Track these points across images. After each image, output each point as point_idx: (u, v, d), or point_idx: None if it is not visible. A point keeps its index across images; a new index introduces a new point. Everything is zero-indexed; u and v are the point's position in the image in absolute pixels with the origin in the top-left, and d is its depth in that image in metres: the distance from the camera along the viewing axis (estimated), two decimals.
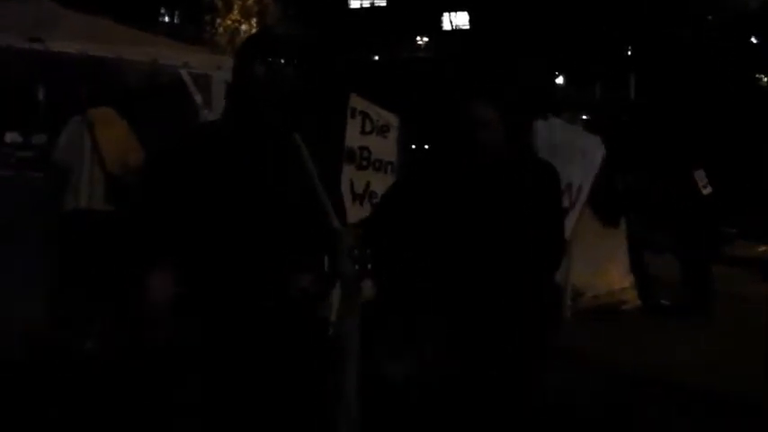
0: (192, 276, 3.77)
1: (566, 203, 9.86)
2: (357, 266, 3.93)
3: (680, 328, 10.31)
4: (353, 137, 8.57)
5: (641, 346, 9.28)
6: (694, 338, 9.73)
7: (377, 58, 47.76)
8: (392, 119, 8.86)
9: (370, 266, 4.01)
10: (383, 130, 8.76)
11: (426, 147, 18.74)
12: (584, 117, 31.43)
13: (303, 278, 3.82)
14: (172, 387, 3.94)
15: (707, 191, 11.93)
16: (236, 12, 32.41)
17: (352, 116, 8.60)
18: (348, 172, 8.39)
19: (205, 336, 3.78)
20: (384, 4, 52.43)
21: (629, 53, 39.05)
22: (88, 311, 7.97)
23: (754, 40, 33.36)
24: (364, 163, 8.58)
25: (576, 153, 10.19)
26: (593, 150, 10.45)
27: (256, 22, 32.00)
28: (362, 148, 8.59)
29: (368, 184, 8.45)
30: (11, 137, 10.75)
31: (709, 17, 34.08)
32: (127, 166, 8.53)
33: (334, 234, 3.91)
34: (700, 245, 12.02)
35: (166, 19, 41.59)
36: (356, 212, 7.90)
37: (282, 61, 3.79)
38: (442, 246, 4.21)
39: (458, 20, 50.23)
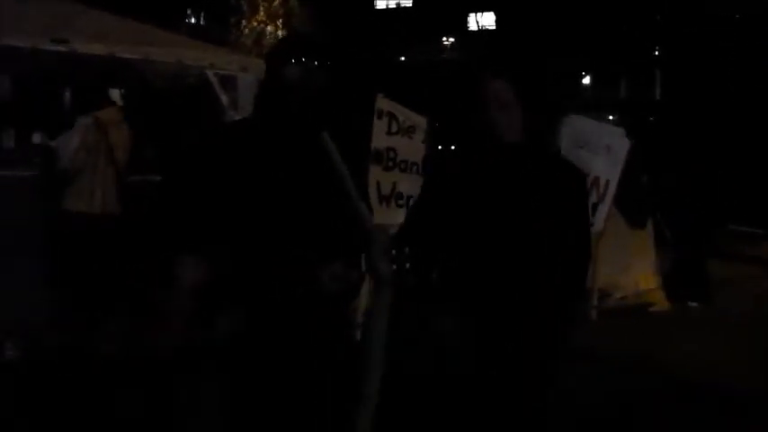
0: (218, 272, 3.78)
1: (594, 198, 9.80)
2: (394, 266, 3.91)
3: (706, 330, 10.24)
4: (380, 138, 8.54)
5: (666, 347, 9.23)
6: (721, 339, 9.66)
7: (403, 58, 47.70)
8: (419, 120, 8.83)
9: (408, 266, 3.99)
10: (409, 131, 8.73)
11: (453, 147, 18.70)
12: (611, 117, 31.35)
13: (336, 267, 3.81)
14: (194, 385, 3.95)
15: None
16: (261, 14, 32.36)
17: (379, 117, 8.58)
18: (375, 173, 8.37)
19: (231, 332, 3.79)
20: (410, 5, 52.39)
21: (656, 53, 38.87)
22: (100, 313, 8.00)
23: None
24: (391, 164, 8.56)
25: (601, 147, 10.13)
26: (619, 143, 10.36)
27: (282, 24, 31.97)
28: (389, 149, 8.56)
29: (394, 185, 8.42)
30: (37, 138, 10.76)
31: (737, 15, 33.86)
32: (134, 166, 8.58)
33: (368, 233, 3.89)
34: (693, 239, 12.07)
35: (192, 20, 41.70)
36: (383, 213, 7.89)
37: (314, 63, 3.81)
38: (466, 242, 4.17)
39: (484, 20, 50.12)
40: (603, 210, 10.00)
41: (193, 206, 3.83)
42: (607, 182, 10.05)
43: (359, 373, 3.98)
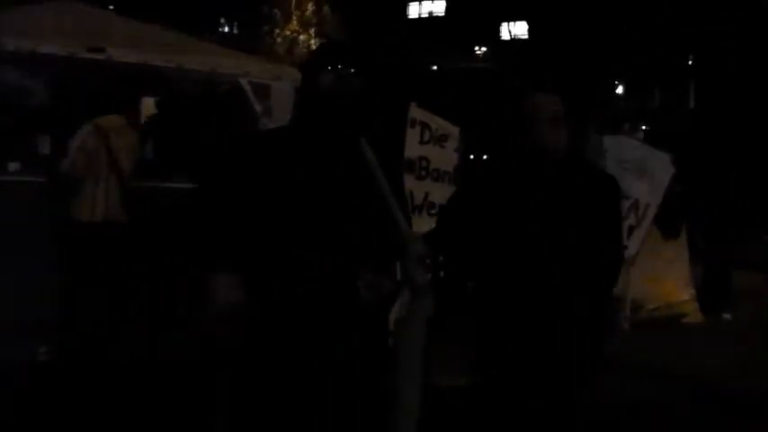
0: (256, 280, 3.80)
1: (632, 221, 9.78)
2: (429, 275, 3.90)
3: (737, 342, 10.18)
4: (412, 147, 8.54)
5: (697, 359, 9.19)
6: (751, 351, 9.61)
7: (435, 67, 47.73)
8: (451, 129, 8.83)
9: (442, 275, 3.98)
10: (441, 140, 8.72)
11: (485, 156, 18.65)
12: (644, 127, 31.22)
13: (371, 276, 3.81)
14: (226, 389, 3.97)
15: None
16: (294, 22, 32.55)
17: (412, 126, 8.58)
18: (407, 182, 8.35)
19: (267, 338, 3.80)
20: (442, 14, 52.47)
21: (690, 62, 38.73)
22: (108, 317, 8.01)
23: None
24: (423, 173, 8.55)
25: (645, 171, 10.11)
26: (663, 170, 10.35)
27: (315, 33, 32.14)
28: (421, 159, 8.56)
29: (426, 195, 8.41)
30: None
31: None
32: (140, 174, 8.52)
33: (405, 241, 3.89)
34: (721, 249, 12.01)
35: (226, 29, 41.93)
36: (415, 223, 7.85)
37: (349, 70, 3.83)
38: (502, 255, 4.15)
39: (516, 29, 50.12)
40: (640, 234, 9.98)
41: (232, 213, 3.85)
42: (647, 206, 10.03)
43: (393, 383, 3.98)
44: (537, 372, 4.10)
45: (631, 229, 9.69)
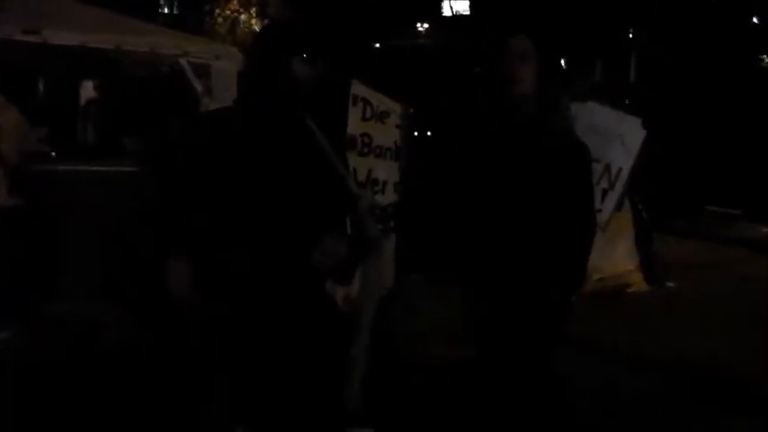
0: (212, 260, 3.79)
1: (605, 185, 9.76)
2: (380, 226, 3.94)
3: (685, 311, 10.30)
4: (355, 124, 8.54)
5: (646, 329, 9.29)
6: (699, 320, 9.72)
7: (377, 45, 47.62)
8: (392, 105, 8.82)
9: (393, 224, 4.03)
10: (383, 117, 8.72)
11: (429, 133, 18.62)
12: (589, 102, 31.29)
13: (326, 243, 3.83)
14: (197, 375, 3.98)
15: None
16: (235, 2, 32.30)
17: (354, 103, 8.57)
18: (350, 159, 8.36)
19: (226, 321, 3.81)
20: None
21: (630, 35, 38.94)
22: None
23: (755, 20, 33.23)
24: (366, 150, 8.55)
25: (615, 135, 10.06)
26: (633, 133, 10.28)
27: (256, 12, 31.90)
28: (363, 135, 8.56)
29: (370, 172, 8.41)
30: None
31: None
32: (25, 152, 8.18)
33: (354, 197, 3.91)
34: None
35: (166, 10, 41.50)
36: None
37: (320, 58, 3.82)
38: (473, 216, 4.20)
39: (458, 6, 50.07)
40: (613, 198, 9.93)
41: (185, 196, 3.82)
42: (619, 169, 9.99)
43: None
44: (506, 335, 4.15)
45: (605, 193, 9.69)
